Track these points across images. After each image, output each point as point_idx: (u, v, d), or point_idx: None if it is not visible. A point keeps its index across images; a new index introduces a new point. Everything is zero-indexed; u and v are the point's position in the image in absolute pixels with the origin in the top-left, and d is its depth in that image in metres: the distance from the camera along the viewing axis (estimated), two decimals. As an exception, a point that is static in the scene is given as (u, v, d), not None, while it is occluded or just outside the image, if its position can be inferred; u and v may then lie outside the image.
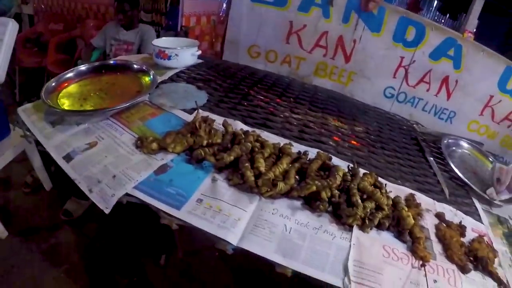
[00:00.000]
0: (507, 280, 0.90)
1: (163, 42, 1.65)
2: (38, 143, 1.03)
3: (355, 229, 0.84)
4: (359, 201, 0.86)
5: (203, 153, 0.93)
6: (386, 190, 0.98)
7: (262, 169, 0.87)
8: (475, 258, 0.91)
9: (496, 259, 0.95)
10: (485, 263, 0.89)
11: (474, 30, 2.74)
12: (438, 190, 1.20)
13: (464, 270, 0.86)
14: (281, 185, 0.84)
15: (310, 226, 0.82)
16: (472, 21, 2.64)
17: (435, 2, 3.82)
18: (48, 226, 1.98)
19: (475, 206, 1.21)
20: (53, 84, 1.22)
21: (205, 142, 0.97)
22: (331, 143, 1.23)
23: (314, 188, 0.83)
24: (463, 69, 2.47)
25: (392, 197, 0.96)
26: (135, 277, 1.79)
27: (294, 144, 1.08)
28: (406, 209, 0.91)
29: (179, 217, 0.77)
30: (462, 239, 0.96)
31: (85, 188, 0.84)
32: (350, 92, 2.56)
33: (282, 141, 1.10)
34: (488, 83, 2.53)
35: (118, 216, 1.98)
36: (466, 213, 1.12)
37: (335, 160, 1.07)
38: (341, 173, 0.93)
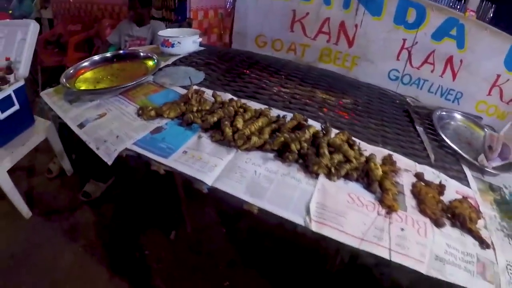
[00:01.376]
0: (492, 242, 0.98)
1: (168, 32, 1.89)
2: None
3: (322, 177, 1.00)
4: (326, 152, 1.03)
5: (192, 117, 1.14)
6: (359, 148, 1.15)
7: (240, 126, 1.07)
8: (453, 215, 1.01)
9: (480, 221, 1.04)
10: (463, 220, 0.99)
11: (476, 8, 2.80)
12: (424, 156, 1.33)
13: (438, 224, 0.97)
14: (254, 139, 1.03)
15: (278, 173, 0.99)
16: (474, 0, 2.71)
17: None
18: (68, 207, 2.24)
19: (464, 173, 1.32)
20: (71, 71, 1.49)
21: (195, 109, 1.18)
22: (313, 110, 1.41)
23: (282, 139, 1.02)
24: (467, 48, 2.56)
25: (367, 155, 1.12)
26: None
27: (280, 111, 1.27)
28: (376, 163, 1.06)
29: (166, 163, 0.98)
30: (441, 197, 1.07)
31: (94, 147, 1.07)
32: (355, 75, 2.70)
33: (275, 111, 1.29)
34: (494, 62, 2.59)
35: (133, 195, 2.25)
36: (452, 177, 1.23)
37: (315, 124, 1.24)
38: (311, 130, 1.11)
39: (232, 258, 2.02)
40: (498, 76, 2.61)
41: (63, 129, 2.31)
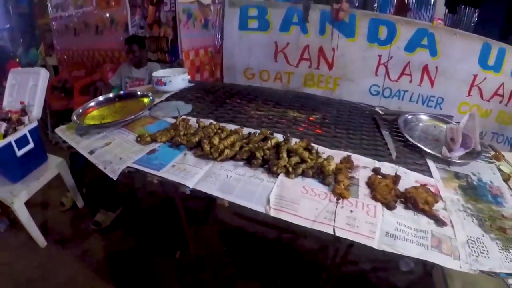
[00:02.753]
0: (451, 220, 1.19)
1: (161, 73, 2.30)
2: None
3: (281, 175, 1.32)
4: (284, 155, 1.36)
5: (179, 140, 1.50)
6: (317, 151, 1.46)
7: (216, 142, 1.43)
8: (406, 198, 1.24)
9: (439, 204, 1.26)
10: (414, 201, 1.21)
11: (443, 16, 3.08)
12: (386, 154, 1.59)
13: (389, 207, 1.20)
14: (227, 151, 1.39)
15: (246, 175, 1.32)
16: (439, 9, 3.03)
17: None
18: (81, 236, 2.60)
19: (427, 166, 1.55)
20: (80, 110, 1.89)
21: (182, 133, 1.54)
22: (282, 127, 1.75)
23: (248, 149, 1.38)
24: (440, 55, 2.87)
25: (325, 157, 1.43)
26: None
27: (253, 129, 1.63)
28: (329, 161, 1.36)
29: (158, 175, 1.33)
30: (397, 186, 1.29)
31: (102, 167, 1.42)
32: (339, 95, 3.05)
33: (246, 130, 1.64)
34: (469, 64, 2.86)
35: (140, 221, 2.60)
36: (414, 170, 1.48)
37: (280, 136, 1.58)
38: (273, 141, 1.46)
39: (233, 271, 2.32)
40: (475, 76, 2.88)
41: (74, 166, 2.72)
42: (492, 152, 1.99)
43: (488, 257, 1.08)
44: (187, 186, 1.27)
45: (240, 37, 3.11)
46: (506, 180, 1.73)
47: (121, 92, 2.17)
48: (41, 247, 2.48)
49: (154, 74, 2.25)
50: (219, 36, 3.31)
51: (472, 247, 1.11)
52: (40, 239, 2.48)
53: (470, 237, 1.15)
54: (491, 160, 1.73)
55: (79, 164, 2.74)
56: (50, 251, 2.47)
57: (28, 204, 2.34)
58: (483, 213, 1.30)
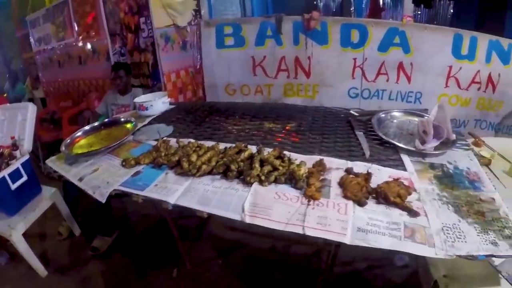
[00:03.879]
0: (424, 210, 1.25)
1: (142, 98, 2.45)
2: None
3: (255, 185, 1.44)
4: (257, 165, 1.50)
5: (161, 160, 1.66)
6: (289, 158, 1.58)
7: (194, 160, 1.58)
8: (377, 194, 1.30)
9: (413, 196, 1.33)
10: (385, 196, 1.27)
11: (412, 14, 3.22)
12: (360, 154, 1.67)
13: (360, 203, 1.27)
14: (204, 167, 1.53)
15: (222, 187, 1.45)
16: (408, 6, 3.18)
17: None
18: (80, 262, 2.74)
19: (401, 160, 1.62)
20: (68, 140, 2.04)
21: (163, 154, 1.70)
22: (258, 139, 1.90)
23: (222, 162, 1.54)
24: (414, 51, 3.01)
25: (297, 163, 1.54)
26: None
27: (229, 144, 1.78)
28: (300, 166, 1.48)
29: (142, 194, 1.47)
30: (369, 183, 1.37)
31: (91, 192, 1.56)
32: (319, 102, 3.21)
33: (222, 145, 1.79)
34: (443, 55, 2.99)
35: (136, 244, 2.75)
36: (387, 166, 1.56)
37: (253, 148, 1.72)
38: (247, 153, 1.62)
39: (230, 285, 2.45)
40: (450, 67, 3.02)
41: (67, 195, 2.88)
42: (472, 139, 2.12)
43: (465, 242, 1.13)
44: (169, 202, 1.40)
45: (218, 55, 3.28)
46: (487, 165, 1.87)
47: (106, 120, 2.32)
48: (42, 277, 2.60)
49: (136, 100, 2.40)
50: (198, 56, 3.48)
51: (448, 233, 1.17)
52: (41, 269, 2.60)
53: (446, 224, 1.20)
54: (467, 147, 1.79)
55: (72, 193, 2.90)
56: (51, 280, 2.59)
57: (26, 235, 2.47)
58: (460, 199, 1.35)
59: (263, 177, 1.45)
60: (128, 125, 2.18)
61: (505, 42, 3.07)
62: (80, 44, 4.74)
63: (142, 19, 3.79)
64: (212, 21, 3.45)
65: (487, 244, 1.13)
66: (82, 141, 2.10)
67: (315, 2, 6.10)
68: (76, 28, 4.71)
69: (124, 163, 1.71)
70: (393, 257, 2.41)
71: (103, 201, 1.52)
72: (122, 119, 2.27)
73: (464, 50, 3.00)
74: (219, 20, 3.55)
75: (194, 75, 3.94)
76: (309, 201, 1.32)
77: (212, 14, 3.86)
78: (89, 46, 4.63)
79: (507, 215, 1.27)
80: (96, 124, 2.26)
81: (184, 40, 3.93)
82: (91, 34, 4.53)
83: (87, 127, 2.20)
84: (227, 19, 3.48)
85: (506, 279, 1.25)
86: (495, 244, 1.13)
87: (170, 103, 2.52)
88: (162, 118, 2.32)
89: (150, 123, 2.25)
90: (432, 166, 1.60)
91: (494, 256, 1.12)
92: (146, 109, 2.34)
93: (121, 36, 4.10)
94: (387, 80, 3.14)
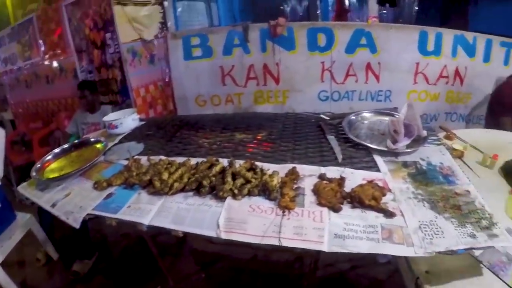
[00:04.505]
0: (400, 210, 1.27)
1: (111, 116, 2.43)
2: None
3: (228, 199, 1.44)
4: (229, 179, 1.50)
5: (132, 180, 1.66)
6: (261, 169, 1.59)
7: (165, 178, 1.59)
8: (352, 198, 1.33)
9: (388, 196, 1.36)
10: (359, 199, 1.29)
11: (378, 14, 3.32)
12: (332, 159, 1.69)
13: (335, 209, 1.29)
14: (176, 184, 1.54)
15: (195, 204, 1.45)
16: (373, 7, 3.28)
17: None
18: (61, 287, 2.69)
19: (374, 161, 1.64)
20: (39, 165, 2.00)
21: (134, 174, 1.69)
22: (229, 151, 1.91)
23: (194, 179, 1.55)
24: (380, 51, 3.09)
25: (269, 173, 1.55)
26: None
27: (200, 158, 1.79)
28: (272, 177, 1.49)
29: (116, 217, 1.46)
30: (343, 188, 1.39)
31: (64, 218, 1.54)
32: (290, 107, 3.25)
33: (194, 160, 1.80)
34: (409, 53, 3.09)
35: (117, 265, 2.73)
36: (361, 168, 1.58)
37: (225, 161, 1.73)
38: (218, 167, 1.63)
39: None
40: (417, 64, 3.12)
41: (43, 220, 2.83)
42: (444, 133, 2.19)
43: (444, 237, 1.16)
44: (143, 224, 1.40)
45: (186, 67, 3.29)
46: (460, 157, 1.93)
47: (75, 141, 2.28)
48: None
49: (105, 118, 2.38)
50: (167, 69, 3.48)
51: (425, 230, 1.19)
52: (21, 298, 2.56)
53: (422, 221, 1.22)
54: (439, 142, 1.83)
55: (48, 217, 2.86)
56: (32, 307, 2.53)
57: (4, 264, 2.40)
58: (435, 195, 1.38)
59: (236, 191, 1.45)
60: (99, 145, 2.17)
61: (469, 35, 3.19)
62: (47, 63, 4.66)
63: (108, 35, 3.74)
64: (179, 33, 3.46)
65: (465, 237, 1.15)
66: (53, 165, 2.07)
67: (282, 7, 6.16)
68: (42, 47, 4.64)
69: (96, 186, 1.69)
70: (376, 255, 2.43)
71: (77, 226, 1.51)
72: (92, 139, 2.24)
73: (430, 46, 3.10)
74: (185, 31, 3.55)
75: (164, 88, 3.92)
76: (283, 211, 1.32)
77: (179, 26, 3.85)
78: (56, 64, 4.56)
79: (483, 206, 1.30)
80: (66, 146, 2.22)
81: (152, 54, 3.89)
82: (57, 52, 4.46)
83: (57, 150, 2.16)
84: (193, 30, 3.48)
85: (488, 268, 1.27)
86: (474, 237, 1.16)
87: (140, 119, 2.51)
88: (133, 135, 2.31)
89: (120, 141, 2.24)
90: (405, 164, 1.63)
91: (473, 248, 1.14)
92: (116, 127, 2.32)
93: (87, 53, 4.05)
94: (356, 81, 3.22)
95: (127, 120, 2.35)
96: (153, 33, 3.87)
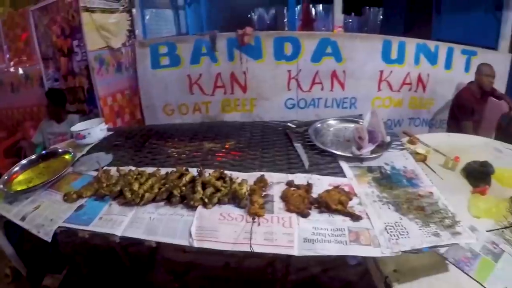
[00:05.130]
0: (366, 213, 1.35)
1: (79, 126, 2.41)
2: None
3: (199, 208, 1.49)
4: (199, 189, 1.54)
5: (103, 191, 1.67)
6: (230, 178, 1.64)
7: (136, 188, 1.61)
8: (319, 203, 1.40)
9: (354, 200, 1.44)
10: (326, 205, 1.37)
11: (343, 24, 3.42)
12: (299, 166, 1.76)
13: (303, 215, 1.36)
14: (147, 195, 1.57)
15: (167, 214, 1.48)
16: (338, 17, 3.36)
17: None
18: (33, 304, 2.61)
19: (340, 167, 1.73)
20: (6, 177, 1.97)
21: (104, 185, 1.71)
22: (198, 160, 1.96)
23: (164, 189, 1.59)
24: (346, 59, 3.21)
25: (238, 182, 1.60)
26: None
27: (170, 168, 1.82)
28: (241, 185, 1.53)
29: (88, 229, 1.48)
30: (311, 194, 1.47)
31: (35, 231, 1.54)
32: (258, 115, 3.31)
33: (163, 170, 1.82)
34: (373, 61, 3.22)
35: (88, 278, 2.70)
36: (327, 174, 1.66)
37: (194, 170, 1.77)
38: (188, 176, 1.67)
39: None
40: (381, 72, 3.26)
41: (9, 234, 2.76)
42: (407, 138, 2.29)
43: (409, 237, 1.24)
44: (116, 235, 1.42)
45: (154, 75, 3.30)
46: (423, 161, 2.04)
47: (43, 152, 2.26)
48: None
49: (73, 128, 2.36)
50: (134, 77, 3.48)
51: (391, 231, 1.26)
52: (-8, 317, 2.49)
53: (388, 223, 1.31)
54: (402, 147, 1.93)
55: (16, 231, 2.79)
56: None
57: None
58: (400, 198, 1.47)
59: (206, 200, 1.50)
60: (67, 156, 2.15)
61: (431, 44, 3.36)
62: (12, 69, 4.54)
63: (75, 42, 3.69)
64: (147, 41, 3.47)
65: (429, 236, 1.24)
66: (20, 177, 2.04)
67: (249, 16, 6.22)
68: (8, 53, 4.52)
69: (65, 198, 1.69)
70: (346, 258, 2.50)
71: (49, 240, 1.51)
72: (60, 150, 2.22)
73: (394, 55, 3.25)
74: (153, 40, 3.55)
75: (131, 97, 3.88)
76: (253, 218, 1.38)
77: (147, 34, 3.85)
78: (21, 71, 4.45)
79: (446, 206, 1.41)
80: (33, 157, 2.19)
81: (119, 62, 3.83)
82: (23, 59, 4.36)
83: (24, 161, 2.14)
84: (161, 38, 3.48)
85: (453, 265, 1.36)
86: (437, 235, 1.24)
87: (108, 129, 2.49)
88: (101, 146, 2.31)
89: (89, 152, 2.23)
90: (370, 169, 1.72)
91: (438, 246, 1.22)
92: (84, 137, 2.31)
93: (54, 61, 3.97)
94: (322, 89, 3.32)
95: (95, 130, 2.34)
96: (120, 41, 3.83)
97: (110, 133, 2.51)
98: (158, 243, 1.39)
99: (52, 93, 3.61)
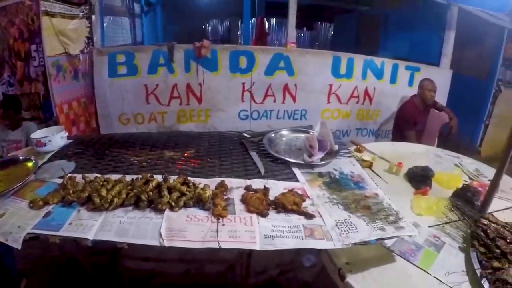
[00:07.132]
0: (319, 212, 1.53)
1: (39, 134, 2.39)
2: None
3: (167, 211, 1.57)
4: (165, 193, 1.64)
5: (70, 198, 1.71)
6: (194, 184, 1.76)
7: (104, 194, 1.67)
8: (276, 205, 1.55)
9: (307, 202, 1.61)
10: (282, 205, 1.53)
11: (295, 40, 3.59)
12: (256, 172, 1.91)
13: (262, 215, 1.50)
14: (115, 200, 1.63)
15: (136, 217, 1.56)
16: (291, 33, 3.53)
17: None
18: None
19: (293, 173, 1.90)
20: None
21: (71, 191, 1.74)
22: (160, 168, 2.04)
23: (132, 194, 1.67)
24: (297, 73, 3.38)
25: (201, 187, 1.73)
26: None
27: (135, 175, 1.89)
28: (205, 189, 1.67)
29: (58, 234, 1.51)
30: (268, 197, 1.61)
31: (3, 239, 1.53)
32: (212, 125, 3.41)
33: (128, 177, 1.89)
34: (323, 76, 3.40)
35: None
36: (282, 179, 1.83)
37: (159, 177, 1.85)
38: (154, 182, 1.75)
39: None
40: (331, 85, 3.47)
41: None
42: (355, 147, 2.50)
43: (357, 231, 1.41)
44: (88, 239, 1.47)
45: (111, 84, 3.30)
46: (369, 167, 2.24)
47: (3, 159, 2.24)
48: None
49: (32, 136, 2.34)
50: (91, 85, 3.46)
51: (341, 227, 1.44)
52: None
53: (338, 220, 1.49)
54: (350, 155, 2.14)
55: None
56: None
57: None
58: (348, 198, 1.66)
59: (173, 203, 1.61)
60: (29, 164, 2.14)
61: (378, 60, 3.62)
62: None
63: (33, 46, 3.60)
64: (105, 49, 3.46)
65: (376, 230, 1.42)
66: (-21, 186, 2.01)
67: (203, 27, 6.31)
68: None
69: (31, 205, 1.71)
70: (302, 259, 2.67)
71: (19, 247, 1.51)
72: (21, 158, 2.21)
73: (343, 70, 3.47)
74: (111, 48, 3.55)
75: (87, 105, 3.83)
76: (218, 219, 1.50)
77: (105, 41, 3.82)
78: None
79: (390, 205, 1.62)
80: (-9, 165, 2.17)
81: (76, 69, 3.78)
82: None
83: (-19, 170, 2.12)
84: (119, 47, 3.50)
85: (399, 256, 1.56)
86: (383, 229, 1.43)
87: (67, 137, 2.49)
88: (62, 153, 2.30)
89: (50, 159, 2.23)
90: (320, 174, 1.91)
91: (383, 239, 1.41)
92: (45, 145, 2.30)
93: (9, 64, 3.83)
94: (274, 101, 3.48)
95: (56, 138, 2.34)
96: (79, 47, 3.78)
97: (70, 141, 2.50)
98: (129, 245, 1.45)
99: (7, 101, 3.49)
